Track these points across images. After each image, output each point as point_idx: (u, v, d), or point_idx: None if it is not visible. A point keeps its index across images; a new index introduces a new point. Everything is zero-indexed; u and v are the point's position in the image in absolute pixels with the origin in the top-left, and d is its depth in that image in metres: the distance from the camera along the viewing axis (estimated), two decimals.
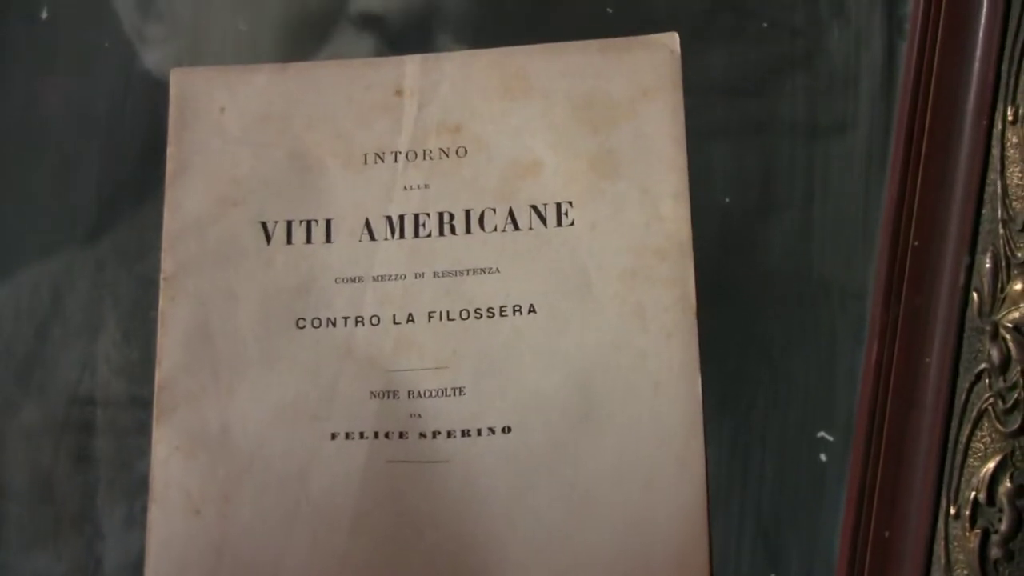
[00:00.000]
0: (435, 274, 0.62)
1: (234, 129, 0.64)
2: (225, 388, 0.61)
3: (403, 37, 0.69)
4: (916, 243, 0.61)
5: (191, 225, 0.63)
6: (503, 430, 0.60)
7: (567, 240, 0.62)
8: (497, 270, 0.62)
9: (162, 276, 0.62)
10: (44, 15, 0.72)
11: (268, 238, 0.63)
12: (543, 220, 0.62)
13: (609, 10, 0.68)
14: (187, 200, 0.63)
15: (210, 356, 0.62)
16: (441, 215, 0.62)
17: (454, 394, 0.61)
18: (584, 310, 0.61)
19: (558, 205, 0.62)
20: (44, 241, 0.70)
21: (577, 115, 0.63)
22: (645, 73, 0.63)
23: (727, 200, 0.67)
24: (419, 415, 0.61)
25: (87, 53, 0.71)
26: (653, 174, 0.62)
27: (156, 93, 0.68)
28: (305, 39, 0.70)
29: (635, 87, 0.63)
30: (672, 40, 0.62)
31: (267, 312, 0.62)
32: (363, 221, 0.62)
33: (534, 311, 0.61)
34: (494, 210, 0.62)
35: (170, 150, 0.64)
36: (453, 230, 0.62)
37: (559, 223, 0.62)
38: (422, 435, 0.60)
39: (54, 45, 0.72)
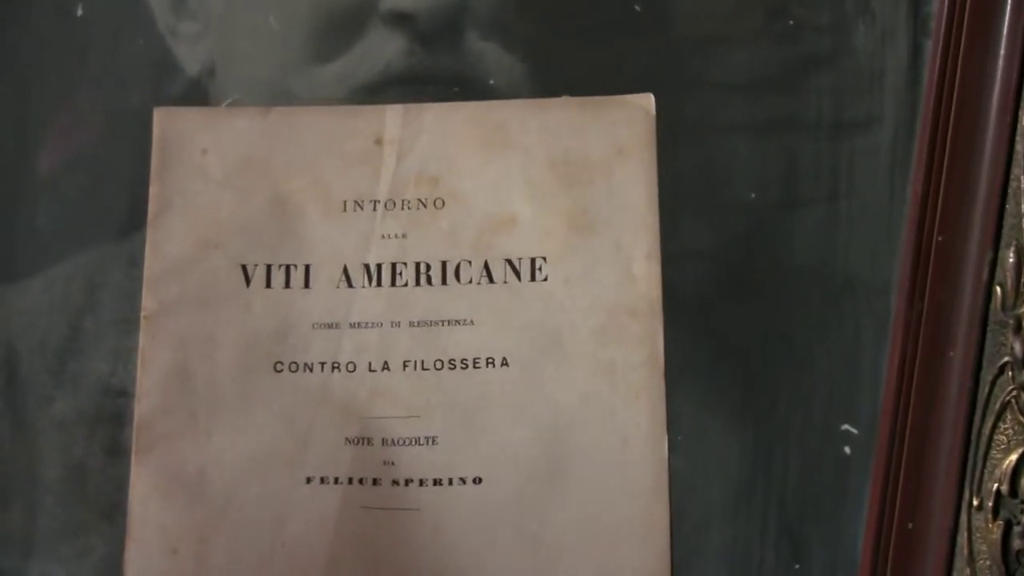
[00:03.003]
0: (411, 323, 0.62)
1: (216, 172, 0.63)
2: (203, 430, 0.61)
3: (433, 35, 0.69)
4: (940, 238, 0.61)
5: (172, 266, 0.63)
6: (474, 481, 0.60)
7: (540, 295, 0.62)
8: (471, 322, 0.62)
9: (143, 315, 0.62)
10: (79, 12, 0.72)
11: (248, 281, 0.62)
12: (517, 274, 0.62)
13: (637, 8, 0.69)
14: (169, 241, 0.63)
15: (189, 398, 0.62)
16: (418, 265, 0.62)
17: (427, 443, 0.61)
18: (555, 365, 0.61)
19: (532, 260, 0.62)
20: (77, 235, 0.70)
21: (554, 171, 0.62)
22: (621, 132, 0.63)
23: (752, 196, 0.67)
24: (392, 463, 0.61)
25: (121, 50, 0.72)
26: (626, 233, 0.62)
27: (189, 90, 0.69)
28: (336, 37, 0.70)
29: (611, 146, 0.62)
30: (648, 101, 0.62)
31: (245, 355, 0.62)
32: (341, 268, 0.62)
33: (507, 364, 0.61)
34: (470, 262, 0.62)
35: (152, 190, 0.64)
36: (429, 280, 0.62)
37: (533, 278, 0.62)
38: (395, 482, 0.61)
39: (88, 42, 0.72)
